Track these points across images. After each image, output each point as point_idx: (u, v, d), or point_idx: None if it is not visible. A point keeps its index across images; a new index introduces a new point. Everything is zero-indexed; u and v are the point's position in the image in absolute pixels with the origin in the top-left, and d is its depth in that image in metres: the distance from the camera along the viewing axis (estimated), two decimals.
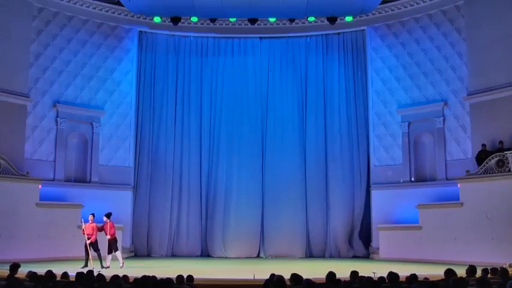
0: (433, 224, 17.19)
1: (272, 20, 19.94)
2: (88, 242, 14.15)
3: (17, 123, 17.37)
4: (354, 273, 7.96)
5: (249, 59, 20.82)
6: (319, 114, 20.27)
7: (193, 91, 20.55)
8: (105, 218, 14.70)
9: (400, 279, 7.49)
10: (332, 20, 19.23)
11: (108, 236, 14.41)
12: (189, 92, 20.52)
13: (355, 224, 19.47)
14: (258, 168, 20.09)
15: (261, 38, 20.88)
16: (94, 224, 14.50)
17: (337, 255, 19.29)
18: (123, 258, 14.61)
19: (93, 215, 14.70)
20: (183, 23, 19.90)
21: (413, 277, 7.75)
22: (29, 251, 15.76)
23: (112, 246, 14.44)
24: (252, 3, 17.85)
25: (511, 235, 15.17)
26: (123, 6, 18.85)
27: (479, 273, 8.57)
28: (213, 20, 19.80)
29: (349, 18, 19.54)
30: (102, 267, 13.75)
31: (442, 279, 7.69)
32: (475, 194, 16.26)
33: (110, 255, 14.43)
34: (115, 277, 7.28)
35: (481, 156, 16.63)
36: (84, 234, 14.35)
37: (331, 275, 7.38)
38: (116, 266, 14.00)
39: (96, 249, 14.38)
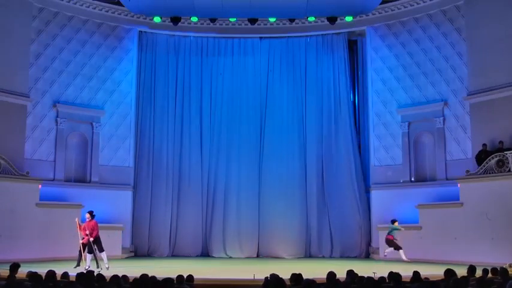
0: (433, 224, 17.19)
1: (272, 20, 19.95)
2: (81, 242, 13.89)
3: (17, 123, 17.35)
4: (351, 273, 7.97)
5: (249, 59, 20.82)
6: (319, 113, 20.27)
7: (193, 91, 20.55)
8: (88, 215, 14.15)
9: (402, 279, 7.48)
10: (332, 20, 19.25)
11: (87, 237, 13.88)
12: (189, 92, 20.52)
13: (355, 224, 19.46)
14: (258, 168, 20.08)
15: (261, 38, 20.87)
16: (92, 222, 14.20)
17: (338, 255, 19.31)
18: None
19: (90, 213, 14.31)
20: (183, 23, 19.91)
21: (416, 276, 7.74)
22: (29, 251, 15.75)
23: (97, 246, 13.99)
24: (252, 3, 17.86)
25: (511, 235, 15.17)
26: (123, 6, 18.87)
27: (479, 273, 8.57)
28: (213, 20, 19.80)
29: (349, 18, 19.56)
30: (98, 266, 13.58)
31: (442, 279, 7.69)
32: (475, 194, 16.26)
33: (90, 255, 13.96)
34: (115, 277, 7.29)
35: (481, 156, 16.63)
36: (80, 231, 13.98)
37: (331, 275, 7.38)
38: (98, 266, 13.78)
39: (91, 250, 14.26)
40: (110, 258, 14.34)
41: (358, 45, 20.75)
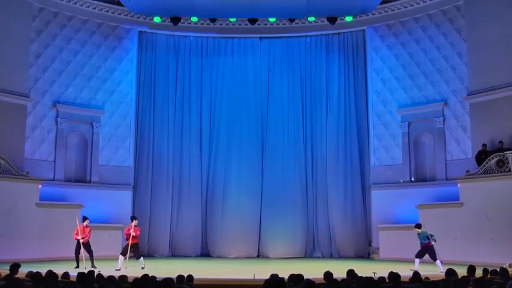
0: (433, 224, 17.16)
1: (272, 20, 19.94)
2: (82, 241, 14.33)
3: (17, 123, 17.36)
4: (351, 272, 7.97)
5: (249, 59, 20.82)
6: (319, 114, 20.30)
7: (193, 91, 20.55)
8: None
9: (402, 279, 7.48)
10: (332, 20, 19.23)
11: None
12: (189, 92, 20.52)
13: (355, 224, 19.47)
14: (258, 168, 20.09)
15: (261, 38, 20.88)
16: (88, 227, 14.74)
17: (337, 255, 19.32)
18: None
19: (87, 219, 14.95)
20: (183, 23, 19.91)
21: (416, 276, 7.74)
22: (29, 251, 15.75)
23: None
24: (252, 3, 17.85)
25: (511, 235, 15.17)
26: (123, 6, 18.86)
27: (479, 273, 8.58)
28: (213, 20, 19.80)
29: (349, 18, 19.55)
30: (94, 267, 13.67)
31: (442, 279, 7.69)
32: (475, 194, 16.26)
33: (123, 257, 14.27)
34: (114, 277, 7.29)
35: (481, 156, 16.64)
36: (77, 235, 14.49)
37: (328, 275, 7.39)
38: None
39: (89, 251, 14.55)
40: (110, 258, 14.42)
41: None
